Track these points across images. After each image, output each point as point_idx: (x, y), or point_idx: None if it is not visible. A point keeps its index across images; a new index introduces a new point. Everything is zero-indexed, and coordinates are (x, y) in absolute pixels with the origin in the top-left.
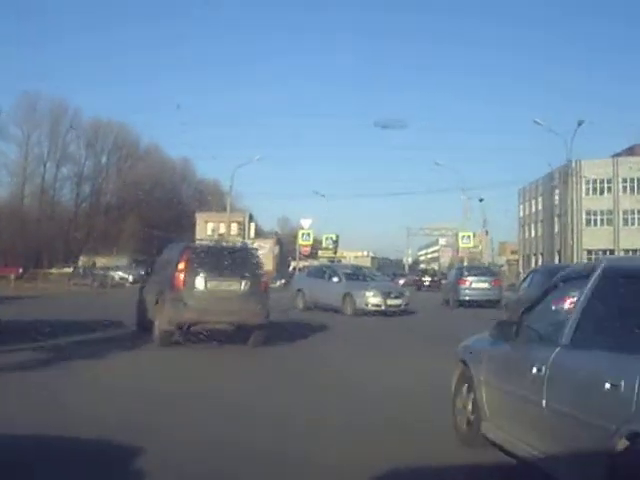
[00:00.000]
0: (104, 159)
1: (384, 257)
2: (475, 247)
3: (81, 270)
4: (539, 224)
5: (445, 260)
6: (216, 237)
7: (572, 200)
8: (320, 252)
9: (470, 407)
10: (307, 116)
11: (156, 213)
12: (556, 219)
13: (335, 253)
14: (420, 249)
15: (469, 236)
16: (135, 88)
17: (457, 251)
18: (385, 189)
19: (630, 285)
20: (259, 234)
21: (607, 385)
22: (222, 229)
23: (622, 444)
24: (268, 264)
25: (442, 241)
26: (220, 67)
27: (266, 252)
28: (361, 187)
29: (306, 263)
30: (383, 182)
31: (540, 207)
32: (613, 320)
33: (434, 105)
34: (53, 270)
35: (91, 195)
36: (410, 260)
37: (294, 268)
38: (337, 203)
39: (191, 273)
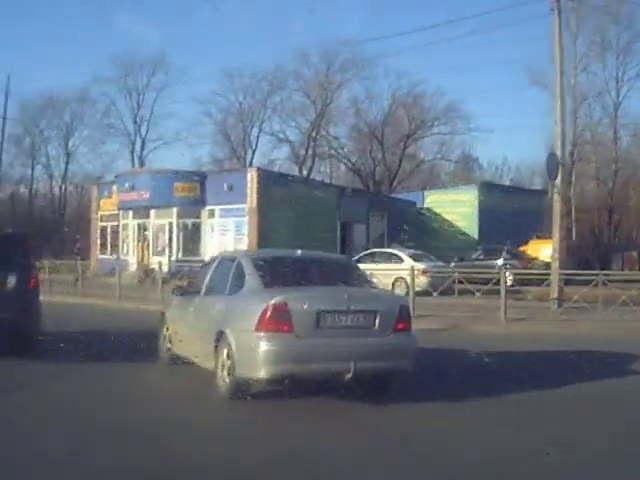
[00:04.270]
0: None
1: None
2: None
3: None
4: None
5: None
6: None
7: None
8: None
9: (167, 338)
10: None
11: None
12: None
13: None
14: None
15: None
16: None
17: None
18: None
19: (225, 263)
20: None
21: (216, 309)
22: None
23: (217, 335)
24: None
25: None
26: None
27: None
28: None
29: None
30: None
31: None
32: (220, 282)
33: None
34: None
35: None
36: None
37: None
38: None
39: None
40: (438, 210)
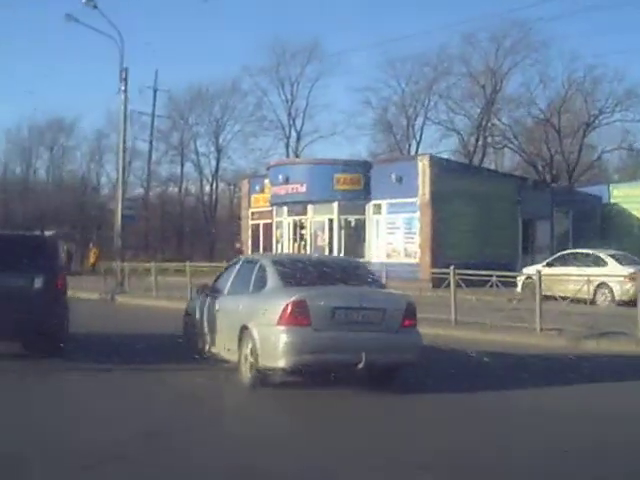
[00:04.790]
0: None
1: None
2: None
3: None
4: None
5: None
6: None
7: None
8: None
9: (192, 335)
10: None
11: None
12: None
13: None
14: None
15: None
16: None
17: None
18: None
19: (248, 265)
20: None
21: (240, 306)
22: None
23: (240, 330)
24: None
25: None
26: None
27: None
28: None
29: None
30: None
31: None
32: (243, 282)
33: None
34: None
35: None
36: None
37: None
38: None
39: None
40: (626, 205)
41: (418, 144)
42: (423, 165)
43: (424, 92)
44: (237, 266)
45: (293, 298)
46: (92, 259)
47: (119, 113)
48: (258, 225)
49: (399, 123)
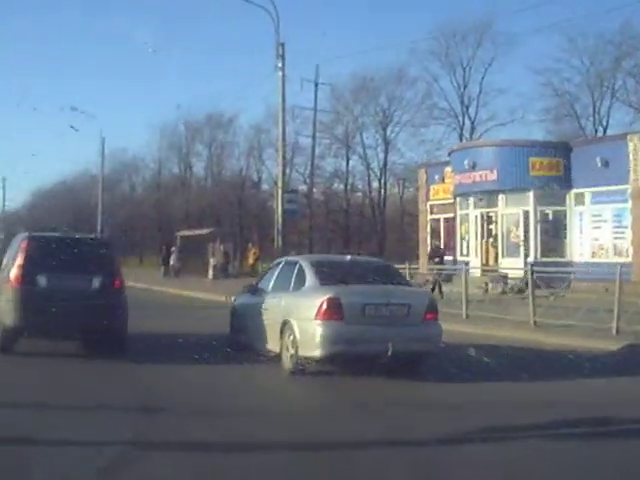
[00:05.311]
0: None
1: None
2: None
3: None
4: None
5: None
6: None
7: None
8: None
9: (245, 331)
10: None
11: None
12: None
13: None
14: None
15: None
16: None
17: None
18: None
19: (289, 266)
20: None
21: (282, 303)
22: None
23: (282, 324)
24: None
25: None
26: None
27: None
28: None
29: None
30: None
31: None
32: (284, 281)
33: None
34: None
35: None
36: None
37: None
38: None
39: (31, 268)
40: None
41: (605, 129)
42: (634, 145)
43: (610, 71)
44: (279, 267)
45: (328, 295)
46: (251, 260)
47: (277, 94)
48: (438, 220)
49: (583, 106)
